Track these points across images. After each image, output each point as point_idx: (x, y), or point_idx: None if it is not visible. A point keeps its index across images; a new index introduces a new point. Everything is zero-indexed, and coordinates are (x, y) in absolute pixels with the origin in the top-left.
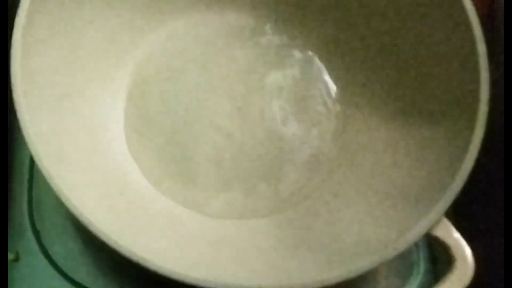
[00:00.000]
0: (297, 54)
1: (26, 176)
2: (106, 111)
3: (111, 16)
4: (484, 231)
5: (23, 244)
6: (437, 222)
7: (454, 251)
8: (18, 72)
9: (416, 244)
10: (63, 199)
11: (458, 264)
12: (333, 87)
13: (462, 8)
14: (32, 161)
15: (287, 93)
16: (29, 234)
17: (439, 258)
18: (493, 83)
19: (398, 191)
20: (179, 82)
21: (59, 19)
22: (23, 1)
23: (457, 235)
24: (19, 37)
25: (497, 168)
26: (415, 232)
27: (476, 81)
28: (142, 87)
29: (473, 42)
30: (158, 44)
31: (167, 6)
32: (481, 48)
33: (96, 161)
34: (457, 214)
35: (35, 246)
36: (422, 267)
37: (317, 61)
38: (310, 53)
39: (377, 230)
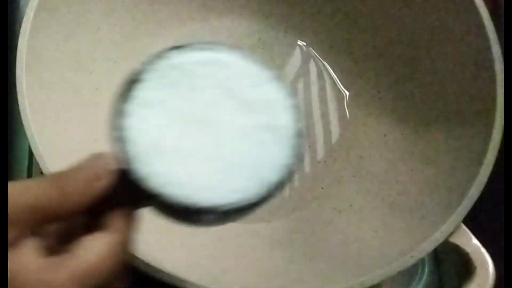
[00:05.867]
0: (309, 61)
1: (25, 176)
2: None
3: (118, 24)
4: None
5: None
6: (455, 230)
7: (474, 258)
8: (23, 82)
9: None
10: None
11: (478, 272)
12: (345, 94)
13: (476, 12)
14: (30, 161)
15: (300, 100)
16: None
17: (443, 260)
18: None
19: (414, 199)
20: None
21: (65, 25)
22: (28, 10)
23: (476, 242)
24: (24, 47)
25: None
26: (433, 240)
27: (492, 84)
28: None
29: (488, 45)
30: None
31: (173, 16)
32: (496, 51)
33: None
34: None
35: None
36: (426, 267)
37: (329, 68)
38: (323, 60)
39: (394, 238)
